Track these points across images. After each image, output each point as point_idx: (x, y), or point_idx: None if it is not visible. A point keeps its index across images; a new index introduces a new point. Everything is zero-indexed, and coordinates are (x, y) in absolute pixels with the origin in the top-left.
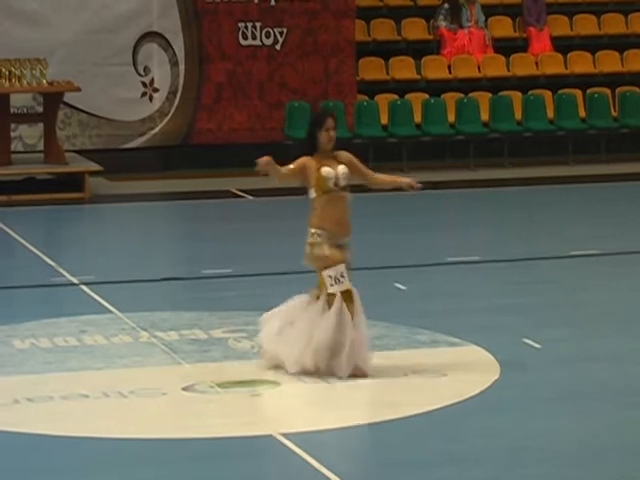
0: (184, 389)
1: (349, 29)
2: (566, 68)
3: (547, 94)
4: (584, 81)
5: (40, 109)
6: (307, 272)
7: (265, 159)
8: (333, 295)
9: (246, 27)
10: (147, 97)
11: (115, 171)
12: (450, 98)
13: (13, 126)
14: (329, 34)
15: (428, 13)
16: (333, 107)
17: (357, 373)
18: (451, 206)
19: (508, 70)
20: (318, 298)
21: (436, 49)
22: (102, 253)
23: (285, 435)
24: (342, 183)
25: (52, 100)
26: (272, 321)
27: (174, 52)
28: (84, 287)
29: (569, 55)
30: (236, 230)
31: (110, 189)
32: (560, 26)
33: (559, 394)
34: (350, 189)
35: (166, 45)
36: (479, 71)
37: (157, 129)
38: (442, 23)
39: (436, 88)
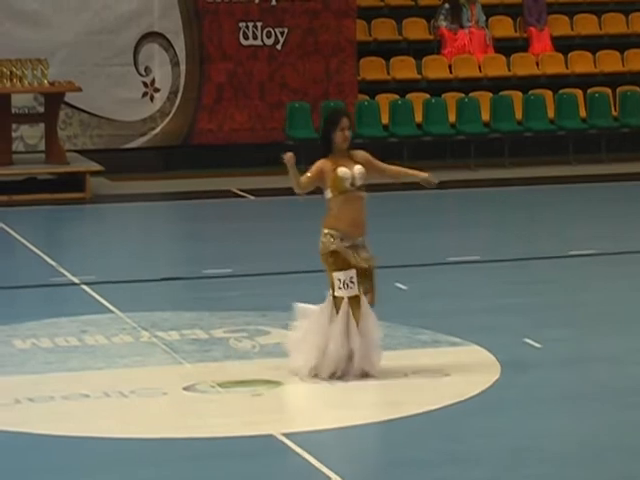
0: (185, 389)
1: (350, 29)
2: (567, 68)
3: (548, 94)
4: (585, 81)
5: (41, 109)
6: (308, 272)
7: (290, 155)
8: (340, 298)
9: (247, 27)
10: (148, 97)
11: (116, 171)
12: (451, 98)
13: (14, 126)
14: (330, 34)
15: (429, 13)
16: (335, 107)
17: (364, 376)
18: (452, 206)
19: (509, 70)
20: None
21: (437, 49)
22: (103, 253)
23: (286, 435)
24: (358, 183)
25: (53, 100)
26: (301, 324)
27: (175, 52)
28: (85, 287)
29: (570, 55)
30: (237, 230)
31: (111, 189)
32: (561, 26)
33: (559, 394)
34: (366, 189)
35: (167, 45)
36: (480, 71)
37: (158, 129)
38: (443, 23)
39: (437, 88)
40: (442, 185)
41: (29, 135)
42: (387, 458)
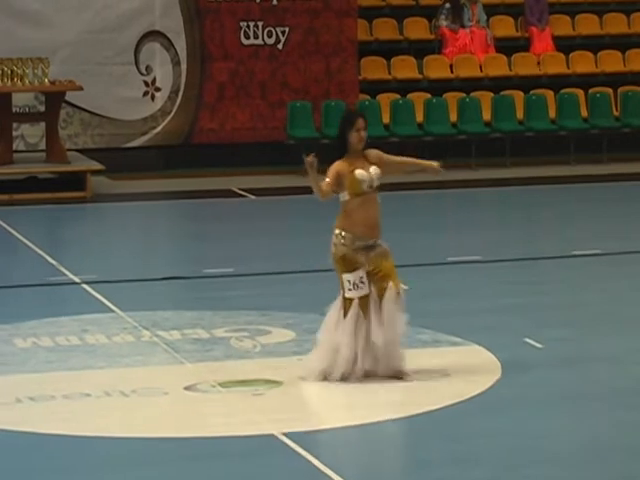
0: (186, 388)
1: (351, 28)
2: (568, 68)
3: (549, 94)
4: (586, 81)
5: (42, 108)
6: (309, 272)
7: (311, 158)
8: (350, 300)
9: (248, 26)
10: (149, 96)
11: (117, 170)
12: (452, 98)
13: (15, 125)
14: (331, 33)
15: (430, 13)
16: (336, 106)
17: (395, 375)
18: (453, 206)
19: (510, 70)
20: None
21: (438, 49)
22: (104, 252)
23: (287, 434)
24: (375, 184)
25: (54, 99)
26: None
27: (176, 51)
28: (86, 286)
29: (571, 55)
30: (238, 229)
31: (112, 188)
32: (562, 26)
33: (560, 394)
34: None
35: (168, 44)
36: (481, 71)
37: (159, 128)
38: (444, 23)
39: (438, 88)
40: (443, 185)
41: (30, 134)
42: (387, 458)
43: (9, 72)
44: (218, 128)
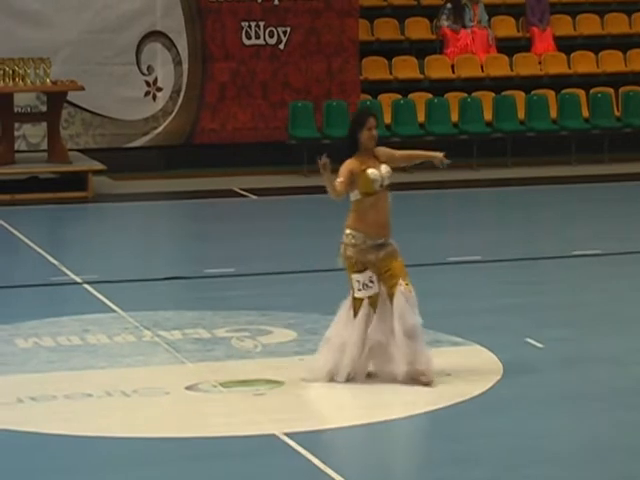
0: (187, 388)
1: (352, 28)
2: (569, 68)
3: (550, 94)
4: (587, 81)
5: (44, 108)
6: (309, 272)
7: (325, 160)
8: (360, 300)
9: (249, 26)
10: (150, 96)
11: (118, 170)
12: (453, 98)
13: (17, 125)
14: (332, 34)
15: (431, 13)
16: (337, 106)
17: (420, 379)
18: (453, 206)
19: (511, 70)
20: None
21: (439, 49)
22: (105, 252)
23: (288, 434)
24: (386, 183)
25: (56, 99)
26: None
27: (177, 51)
28: (87, 286)
29: (572, 55)
30: (239, 229)
31: (113, 188)
32: (563, 26)
33: (560, 394)
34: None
35: (169, 44)
36: (482, 71)
37: (160, 128)
38: (445, 23)
39: (439, 88)
40: (443, 185)
41: (31, 134)
42: (388, 457)
43: (11, 72)
44: (219, 128)
